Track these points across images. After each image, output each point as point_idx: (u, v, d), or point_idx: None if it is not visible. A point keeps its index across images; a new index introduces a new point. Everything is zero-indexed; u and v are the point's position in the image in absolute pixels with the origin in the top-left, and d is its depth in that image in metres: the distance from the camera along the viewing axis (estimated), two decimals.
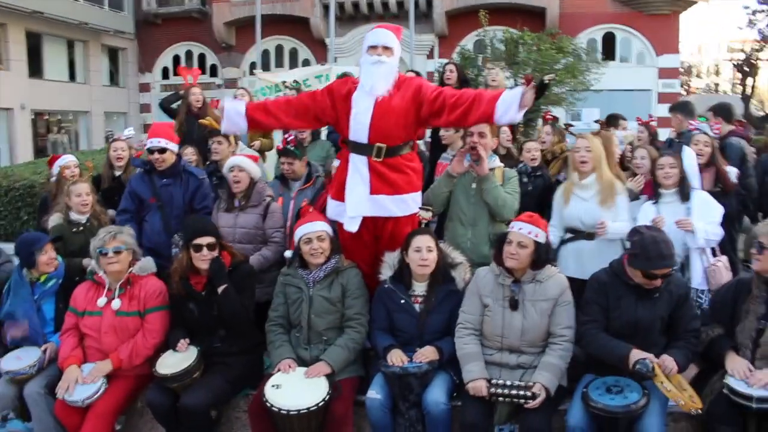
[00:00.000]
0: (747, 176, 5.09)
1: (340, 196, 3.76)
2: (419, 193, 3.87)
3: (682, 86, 27.74)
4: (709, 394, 3.17)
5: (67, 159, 5.30)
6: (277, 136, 7.17)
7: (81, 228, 4.64)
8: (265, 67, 19.10)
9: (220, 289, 3.64)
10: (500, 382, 3.28)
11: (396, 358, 3.45)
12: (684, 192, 4.11)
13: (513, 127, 6.11)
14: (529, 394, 3.19)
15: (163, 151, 4.57)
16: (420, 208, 3.97)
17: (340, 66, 8.50)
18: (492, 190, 4.01)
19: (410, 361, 3.44)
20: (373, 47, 3.61)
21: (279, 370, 3.54)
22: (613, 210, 4.06)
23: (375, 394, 3.42)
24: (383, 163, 3.64)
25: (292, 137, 5.01)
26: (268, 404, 3.31)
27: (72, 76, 22.08)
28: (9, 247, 7.07)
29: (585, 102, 14.61)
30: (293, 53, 22.17)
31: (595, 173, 4.14)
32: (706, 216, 4.04)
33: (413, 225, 3.87)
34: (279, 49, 21.97)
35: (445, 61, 7.46)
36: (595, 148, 4.16)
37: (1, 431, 3.63)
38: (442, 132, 5.15)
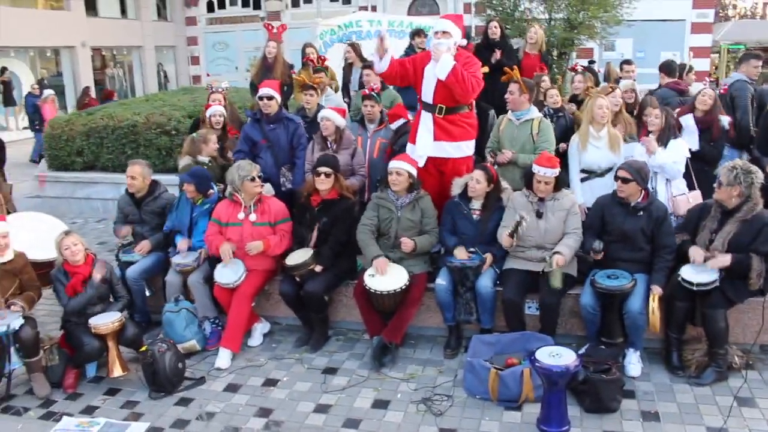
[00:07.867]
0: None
1: (414, 141, 5.08)
2: (473, 141, 5.14)
3: (718, 14, 27.25)
4: (671, 281, 4.39)
5: (214, 109, 6.54)
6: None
7: (206, 166, 5.96)
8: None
9: (318, 268, 4.93)
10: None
11: (461, 253, 4.80)
12: (662, 139, 5.20)
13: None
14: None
15: (270, 98, 5.85)
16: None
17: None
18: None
19: (469, 258, 4.77)
20: (436, 32, 4.84)
21: (376, 268, 4.76)
22: (618, 153, 5.27)
23: (441, 281, 4.76)
24: (444, 119, 4.95)
25: (377, 85, 6.29)
26: (367, 287, 4.68)
27: (123, 12, 23.27)
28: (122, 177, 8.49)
29: (618, 33, 15.06)
30: None
31: (606, 126, 5.33)
32: (672, 154, 5.15)
33: (467, 163, 5.16)
34: None
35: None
36: (607, 106, 5.33)
37: (175, 307, 5.03)
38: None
